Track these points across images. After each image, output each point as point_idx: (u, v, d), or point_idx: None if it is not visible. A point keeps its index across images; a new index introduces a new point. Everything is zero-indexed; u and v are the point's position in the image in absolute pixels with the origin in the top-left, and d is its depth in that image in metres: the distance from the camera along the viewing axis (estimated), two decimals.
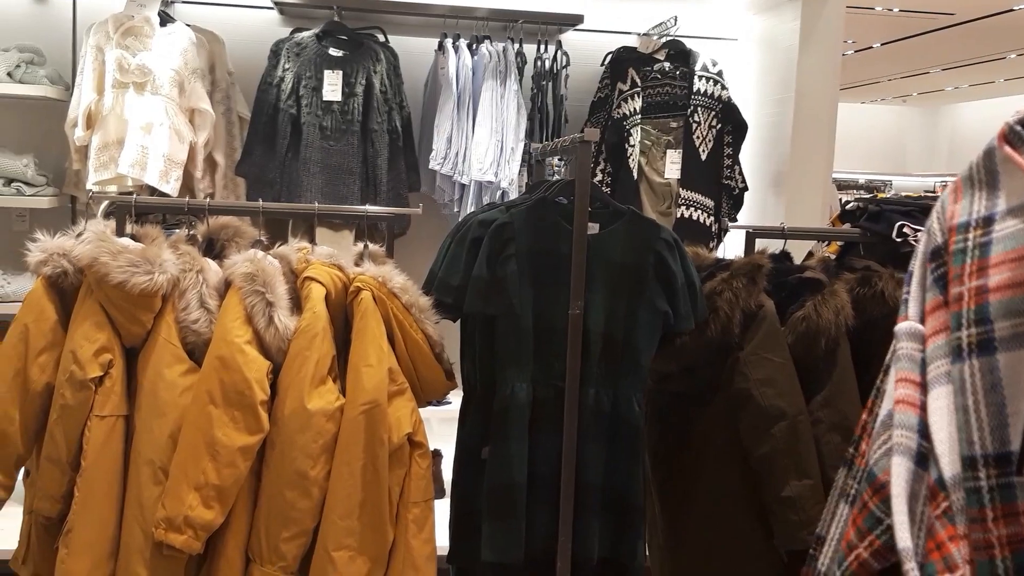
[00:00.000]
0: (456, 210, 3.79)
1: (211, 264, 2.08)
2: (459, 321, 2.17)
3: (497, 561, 2.04)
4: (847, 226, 2.55)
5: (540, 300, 2.07)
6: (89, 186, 3.44)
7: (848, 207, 2.58)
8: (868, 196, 3.29)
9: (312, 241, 2.21)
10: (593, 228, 2.07)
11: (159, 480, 1.92)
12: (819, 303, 2.19)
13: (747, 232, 2.40)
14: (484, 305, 2.04)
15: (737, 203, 3.81)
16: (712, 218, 3.71)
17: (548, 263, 2.06)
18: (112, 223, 2.13)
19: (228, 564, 1.96)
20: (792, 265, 2.37)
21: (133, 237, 2.10)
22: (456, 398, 2.20)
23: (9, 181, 3.64)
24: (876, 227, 2.43)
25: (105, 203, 2.33)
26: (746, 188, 3.81)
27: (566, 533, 2.06)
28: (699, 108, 3.73)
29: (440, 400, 2.19)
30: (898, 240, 2.39)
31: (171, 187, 3.47)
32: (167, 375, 1.96)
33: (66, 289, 2.01)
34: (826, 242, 2.64)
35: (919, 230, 2.40)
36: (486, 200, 3.68)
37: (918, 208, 2.48)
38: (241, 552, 1.97)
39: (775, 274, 2.27)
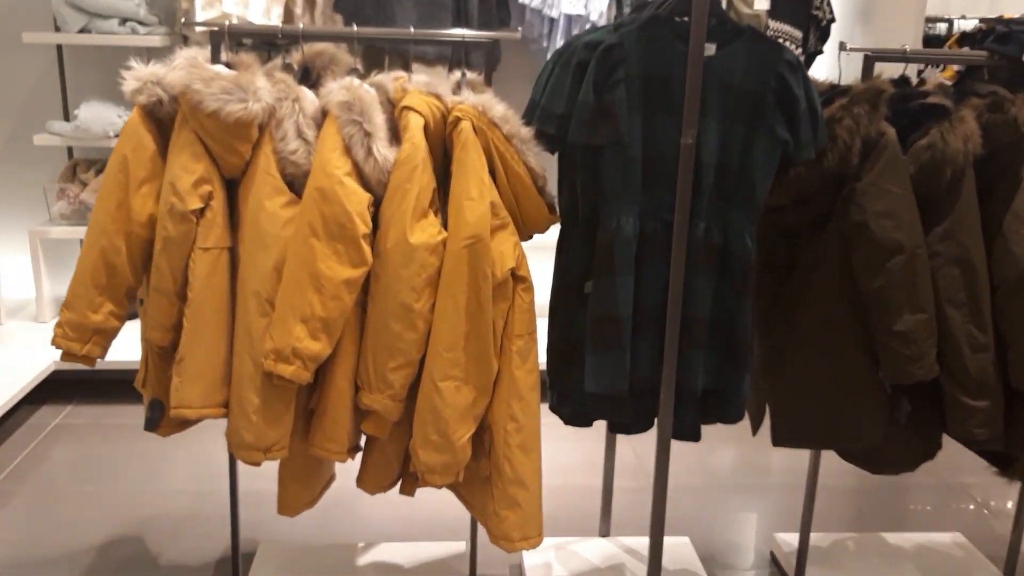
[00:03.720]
0: (545, 45, 3.30)
1: (307, 93, 1.71)
2: (556, 152, 1.79)
3: (601, 392, 1.74)
4: (966, 50, 2.05)
5: (650, 128, 1.66)
6: (198, 28, 3.05)
7: (969, 30, 2.07)
8: (993, 17, 2.73)
9: None
10: (710, 49, 1.63)
11: (265, 312, 1.63)
12: (946, 130, 1.74)
13: (865, 56, 1.92)
14: (590, 134, 1.65)
15: (824, 34, 3.26)
16: (799, 49, 3.18)
17: (660, 88, 1.65)
18: (207, 51, 1.77)
19: (337, 392, 1.70)
20: (913, 90, 1.90)
21: (228, 66, 1.74)
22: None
23: (123, 21, 3.27)
24: (1004, 49, 1.92)
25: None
26: (834, 19, 3.25)
27: (670, 365, 1.73)
28: None
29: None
30: None
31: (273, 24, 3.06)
32: (268, 207, 1.64)
33: (163, 119, 1.67)
34: (940, 67, 2.14)
35: None
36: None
37: None
38: (350, 381, 1.70)
39: (894, 100, 1.81)
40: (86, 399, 3.24)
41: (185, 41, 3.48)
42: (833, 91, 1.83)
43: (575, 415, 1.92)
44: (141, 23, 3.28)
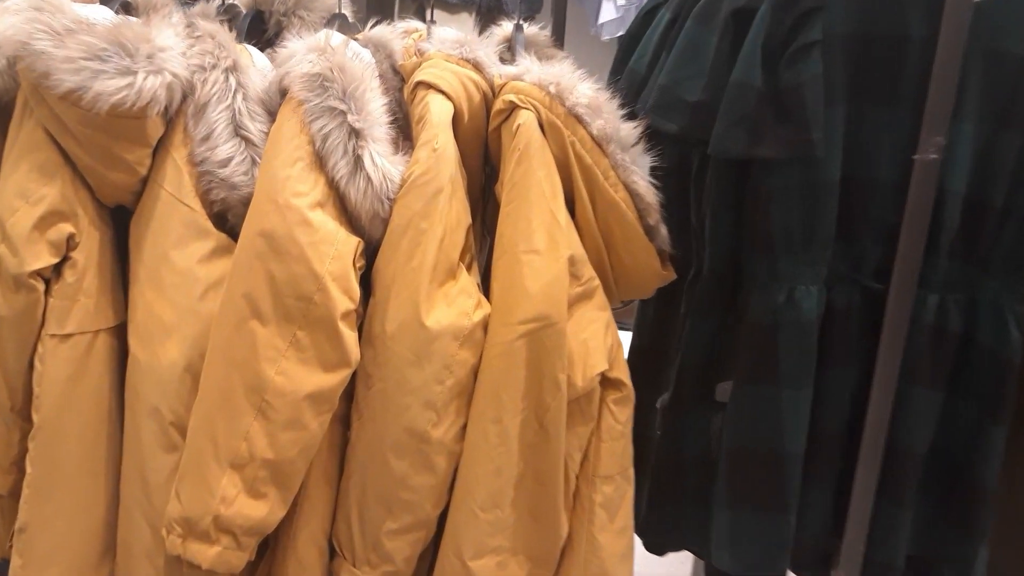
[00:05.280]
0: None
1: (255, 56, 1.01)
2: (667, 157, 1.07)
3: (743, 572, 1.05)
4: None
5: (858, 131, 0.94)
6: None
7: None
8: None
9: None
10: None
11: (172, 444, 0.94)
12: None
13: None
14: (751, 140, 0.92)
15: None
16: None
17: (882, 60, 0.92)
18: None
19: (299, 565, 1.01)
20: None
21: (126, 7, 1.03)
22: None
23: None
24: None
25: None
26: None
27: (858, 528, 1.03)
28: None
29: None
30: None
31: None
32: (178, 261, 0.93)
33: None
34: None
35: None
36: None
37: None
38: (320, 547, 1.01)
39: None
40: None
41: None
42: None
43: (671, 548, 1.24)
44: None
